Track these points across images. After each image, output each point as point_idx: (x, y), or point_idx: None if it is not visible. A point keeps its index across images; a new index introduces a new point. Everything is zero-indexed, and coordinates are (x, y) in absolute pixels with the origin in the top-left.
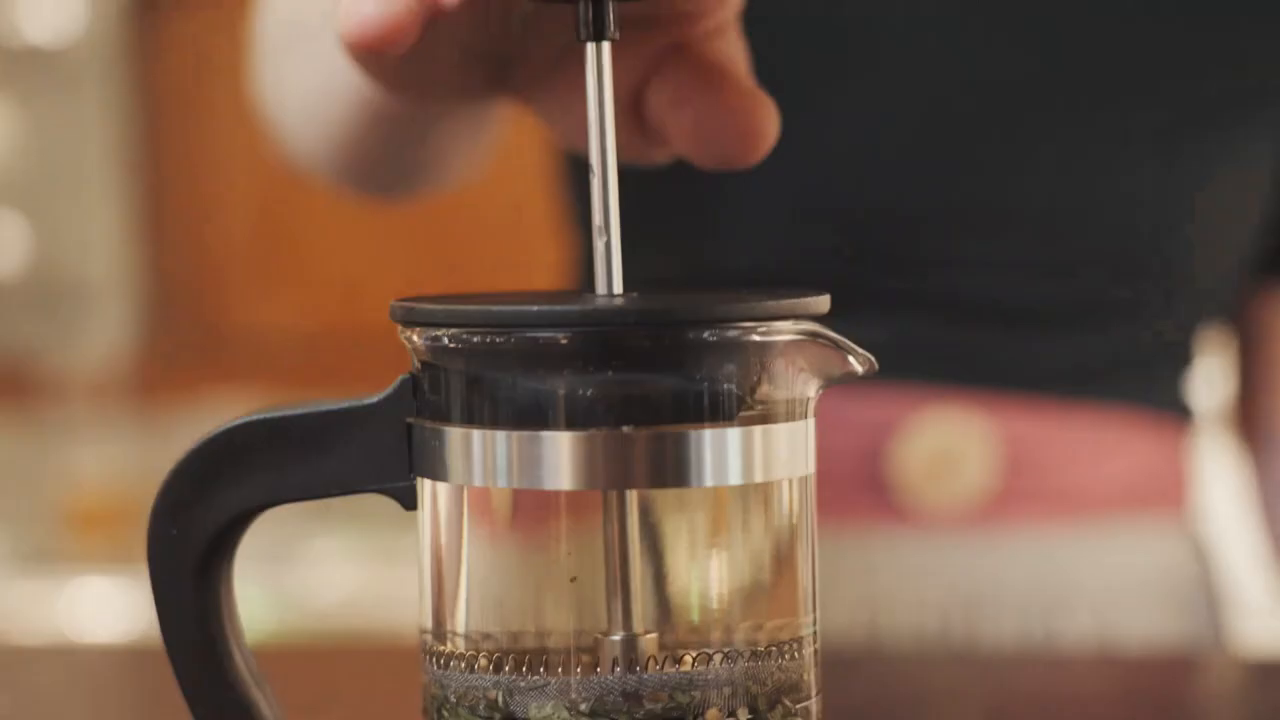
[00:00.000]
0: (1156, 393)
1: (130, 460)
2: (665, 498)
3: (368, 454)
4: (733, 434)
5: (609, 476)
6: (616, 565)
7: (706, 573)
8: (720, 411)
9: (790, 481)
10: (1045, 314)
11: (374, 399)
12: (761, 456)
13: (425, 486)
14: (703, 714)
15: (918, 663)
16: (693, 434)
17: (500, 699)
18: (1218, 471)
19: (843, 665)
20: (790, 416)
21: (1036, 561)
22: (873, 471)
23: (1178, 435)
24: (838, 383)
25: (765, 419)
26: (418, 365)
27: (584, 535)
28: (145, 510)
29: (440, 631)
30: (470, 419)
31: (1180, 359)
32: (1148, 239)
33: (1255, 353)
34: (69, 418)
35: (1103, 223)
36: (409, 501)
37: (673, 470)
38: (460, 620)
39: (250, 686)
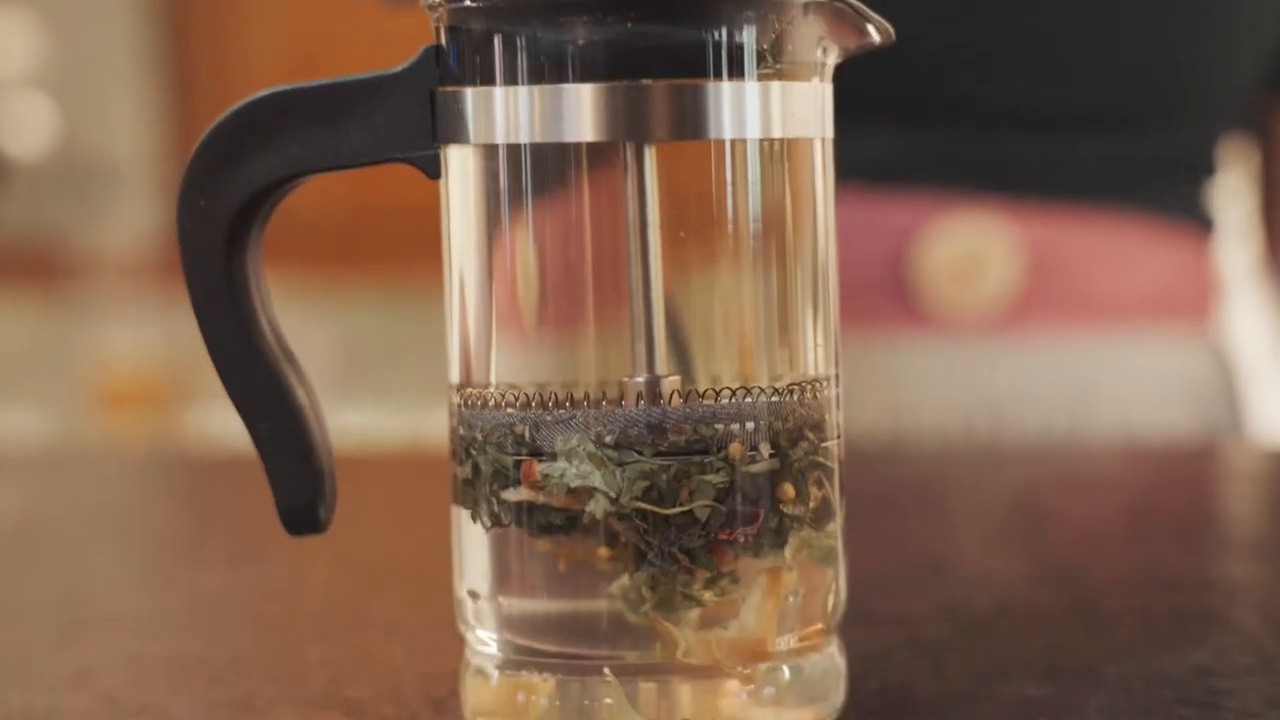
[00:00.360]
0: (1179, 201)
1: (159, 341)
2: (685, 158)
3: (392, 123)
4: (751, 88)
5: (629, 127)
6: (637, 230)
7: (724, 236)
8: (738, 66)
9: (806, 144)
10: (1069, 119)
11: (397, 68)
12: (780, 112)
13: (450, 156)
14: (725, 448)
15: (942, 457)
16: (711, 86)
17: (527, 434)
18: (1240, 284)
19: (867, 461)
20: (809, 79)
21: (1059, 365)
22: (897, 276)
23: (1200, 245)
24: (855, 53)
25: (783, 78)
26: (440, 35)
27: (603, 201)
28: (174, 391)
29: (467, 370)
30: (492, 79)
31: (1203, 168)
32: (1170, 45)
33: (1276, 165)
34: (98, 299)
35: (1125, 29)
36: (433, 170)
37: (691, 122)
38: (483, 322)
39: (280, 359)
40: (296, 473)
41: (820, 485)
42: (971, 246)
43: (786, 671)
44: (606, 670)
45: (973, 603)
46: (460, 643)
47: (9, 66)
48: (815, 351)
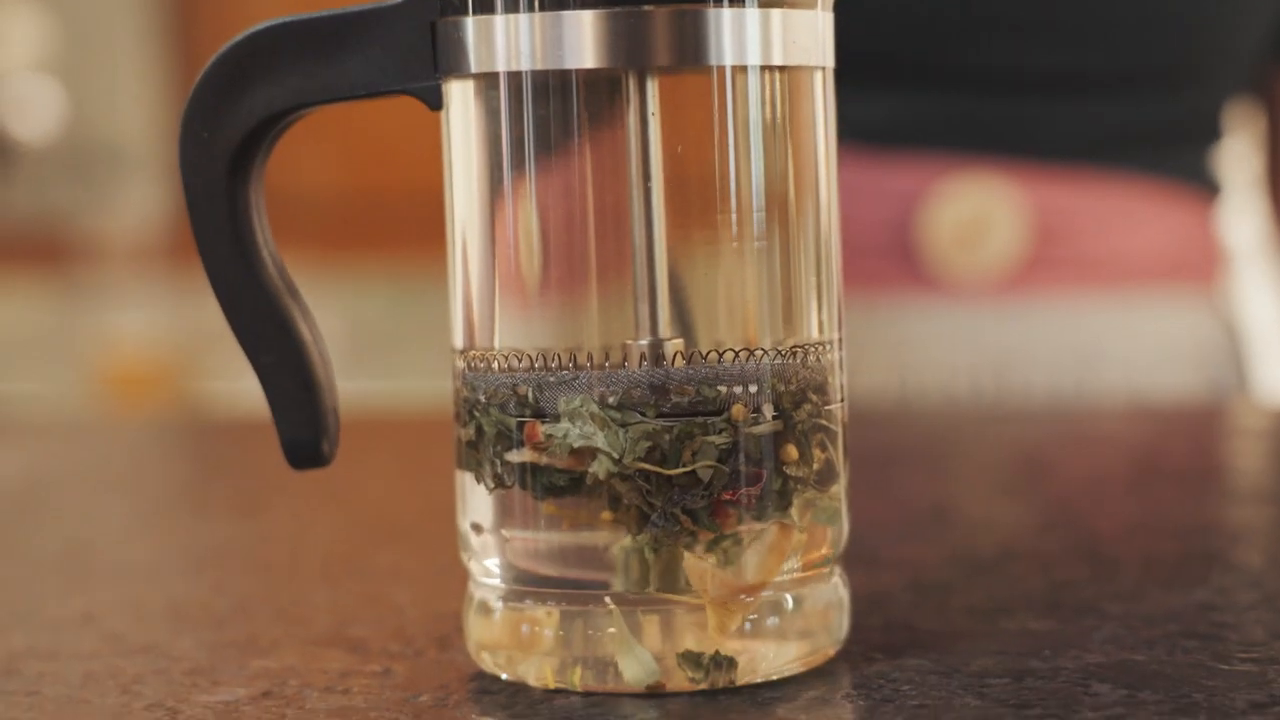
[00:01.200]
0: (1186, 165)
1: (166, 323)
2: (687, 90)
3: (393, 55)
4: (751, 14)
5: (629, 54)
6: (638, 165)
7: (729, 170)
8: None
9: (807, 73)
10: (1075, 83)
11: None
12: (780, 39)
13: (451, 91)
14: (728, 409)
15: (948, 416)
16: (711, 12)
17: (530, 395)
18: (1246, 248)
19: (873, 420)
20: (810, 7)
21: (1065, 328)
22: (902, 241)
23: (1206, 209)
24: None
25: (785, 5)
26: None
27: (605, 151)
28: (182, 373)
29: (470, 334)
30: (492, 7)
31: (1209, 132)
32: (1177, 9)
33: None
34: (104, 282)
35: None
36: (434, 101)
37: (692, 48)
38: (486, 278)
39: (283, 293)
40: (299, 406)
41: (824, 447)
42: (977, 210)
43: (790, 601)
44: (608, 599)
45: (976, 547)
46: (463, 585)
47: (16, 51)
48: (818, 307)
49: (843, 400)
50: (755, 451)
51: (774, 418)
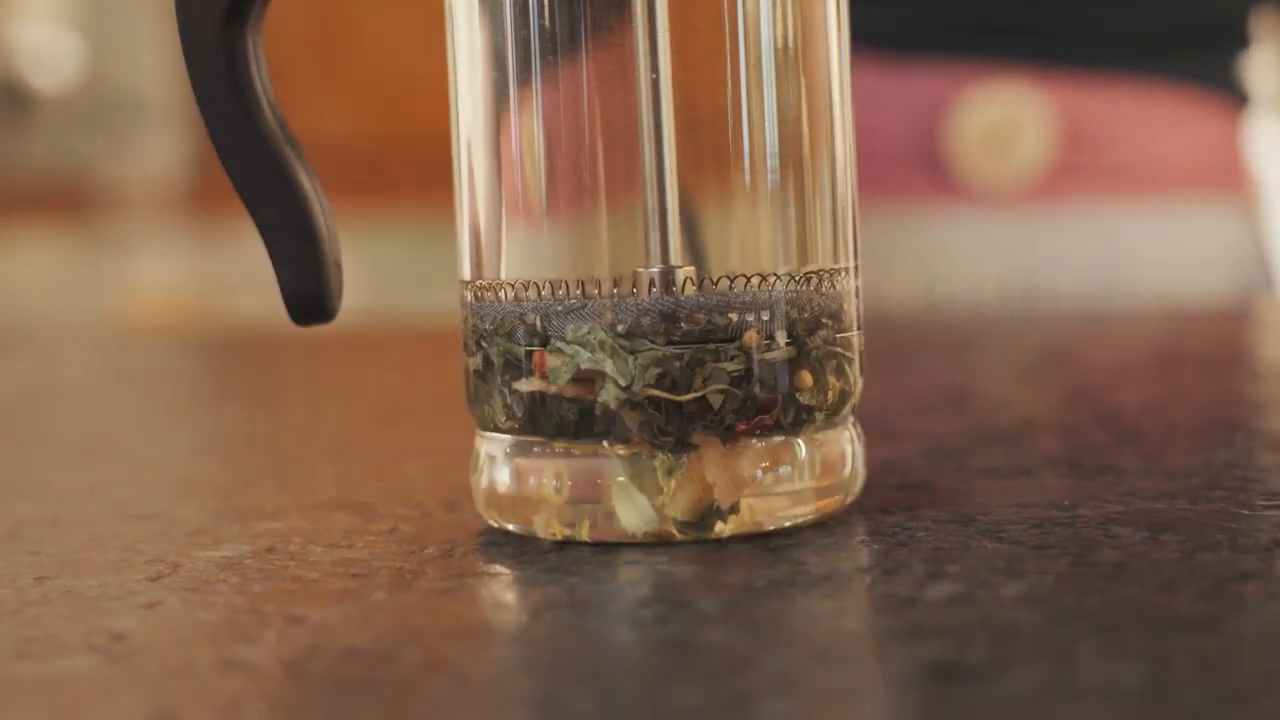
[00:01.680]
0: (1212, 72)
1: (187, 272)
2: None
3: None
4: None
5: None
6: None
7: (740, 80)
8: None
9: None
10: None
11: None
12: None
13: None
14: (740, 336)
15: (976, 316)
16: None
17: (538, 323)
18: (1272, 157)
19: (897, 328)
20: None
21: (1094, 236)
22: (929, 149)
23: (1233, 117)
24: None
25: None
26: None
27: (610, 37)
28: (202, 322)
29: (478, 264)
30: None
31: (1236, 39)
32: None
33: None
34: (125, 231)
35: None
36: None
37: None
38: (490, 167)
39: (283, 144)
40: (301, 259)
41: (839, 375)
42: (1003, 117)
43: (802, 449)
44: (605, 444)
45: (997, 420)
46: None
47: (35, 2)
48: (833, 231)
49: (860, 328)
50: (769, 378)
51: (787, 344)
